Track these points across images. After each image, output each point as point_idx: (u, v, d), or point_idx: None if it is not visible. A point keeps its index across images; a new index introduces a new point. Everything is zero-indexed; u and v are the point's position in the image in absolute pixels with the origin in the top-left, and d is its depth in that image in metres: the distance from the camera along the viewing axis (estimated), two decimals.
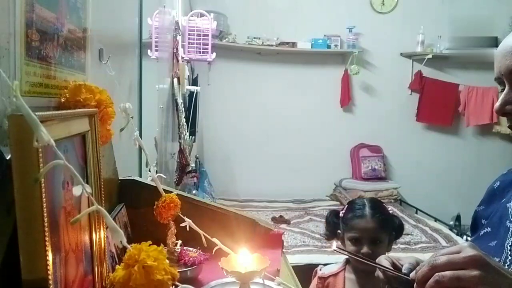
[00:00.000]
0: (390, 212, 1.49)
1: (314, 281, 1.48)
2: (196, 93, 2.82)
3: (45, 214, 0.50)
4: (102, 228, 0.75)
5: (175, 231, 1.01)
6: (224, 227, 1.10)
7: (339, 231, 1.48)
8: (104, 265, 0.75)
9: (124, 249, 0.59)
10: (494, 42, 3.87)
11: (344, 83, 4.24)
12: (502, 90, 0.75)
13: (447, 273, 0.57)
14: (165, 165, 2.08)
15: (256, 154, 4.21)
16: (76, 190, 0.60)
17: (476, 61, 4.02)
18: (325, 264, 1.57)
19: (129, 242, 0.60)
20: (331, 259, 2.23)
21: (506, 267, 0.71)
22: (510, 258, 0.73)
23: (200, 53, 2.44)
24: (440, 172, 4.33)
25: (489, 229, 0.82)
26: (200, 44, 2.42)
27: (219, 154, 4.19)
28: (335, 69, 4.25)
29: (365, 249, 1.34)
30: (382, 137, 4.32)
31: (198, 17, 2.43)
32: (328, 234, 1.55)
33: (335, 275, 1.46)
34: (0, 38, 0.56)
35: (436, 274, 0.58)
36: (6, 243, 0.52)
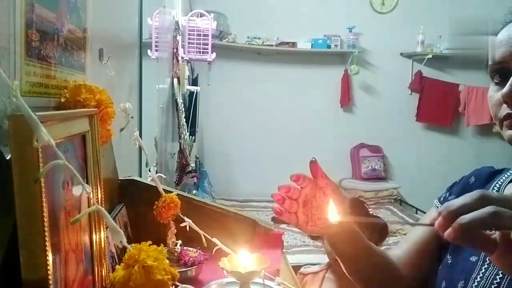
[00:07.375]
0: (371, 212, 1.49)
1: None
2: (196, 93, 2.82)
3: (45, 214, 0.50)
4: (102, 228, 0.74)
5: (175, 231, 1.01)
6: (224, 227, 1.10)
7: None
8: (104, 265, 0.75)
9: (124, 249, 0.59)
10: None
11: (344, 83, 4.24)
12: (499, 78, 0.69)
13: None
14: (165, 165, 2.08)
15: (256, 154, 4.20)
16: (76, 190, 0.60)
17: (476, 61, 4.02)
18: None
19: (129, 242, 0.60)
20: None
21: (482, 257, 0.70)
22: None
23: (200, 53, 2.43)
24: (440, 172, 4.32)
25: None
26: (200, 44, 2.41)
27: (219, 154, 4.18)
28: (335, 69, 4.25)
29: None
30: (382, 137, 4.31)
31: (198, 17, 2.43)
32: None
33: (315, 273, 1.47)
34: (0, 38, 0.56)
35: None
36: (6, 243, 0.52)
